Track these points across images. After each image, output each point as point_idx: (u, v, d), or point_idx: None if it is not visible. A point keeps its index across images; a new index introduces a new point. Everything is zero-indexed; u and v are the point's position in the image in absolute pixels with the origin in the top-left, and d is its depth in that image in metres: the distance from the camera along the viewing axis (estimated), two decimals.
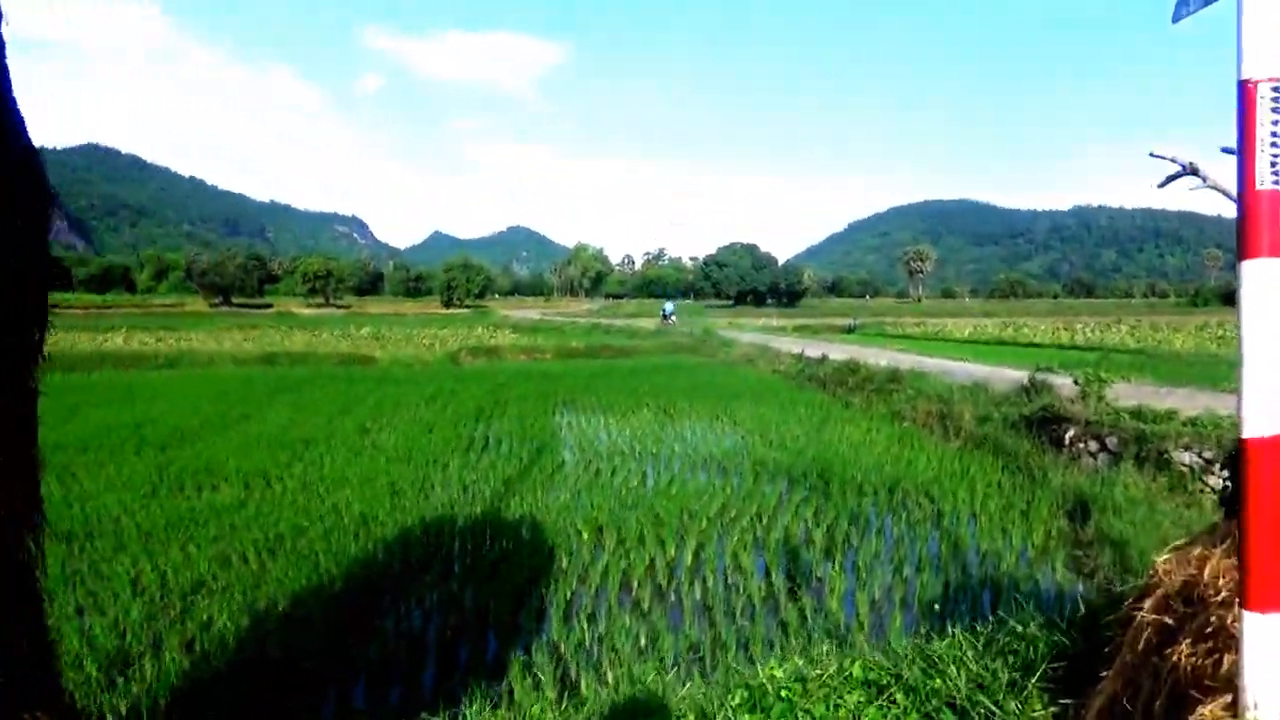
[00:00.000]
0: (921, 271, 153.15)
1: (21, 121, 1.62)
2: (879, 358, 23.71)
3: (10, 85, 1.57)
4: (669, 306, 62.40)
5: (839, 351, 26.50)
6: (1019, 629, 2.97)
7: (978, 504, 9.35)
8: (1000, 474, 10.69)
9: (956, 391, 15.34)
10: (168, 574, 6.67)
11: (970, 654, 2.87)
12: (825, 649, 3.74)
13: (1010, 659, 2.75)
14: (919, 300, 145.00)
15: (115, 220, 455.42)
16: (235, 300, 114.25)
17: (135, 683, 4.93)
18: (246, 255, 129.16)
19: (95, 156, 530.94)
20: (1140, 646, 2.17)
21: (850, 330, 52.11)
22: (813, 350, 26.47)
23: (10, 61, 1.65)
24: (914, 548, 7.97)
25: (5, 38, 1.55)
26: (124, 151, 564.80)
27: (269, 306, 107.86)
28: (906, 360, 23.20)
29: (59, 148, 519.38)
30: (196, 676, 5.01)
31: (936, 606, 6.23)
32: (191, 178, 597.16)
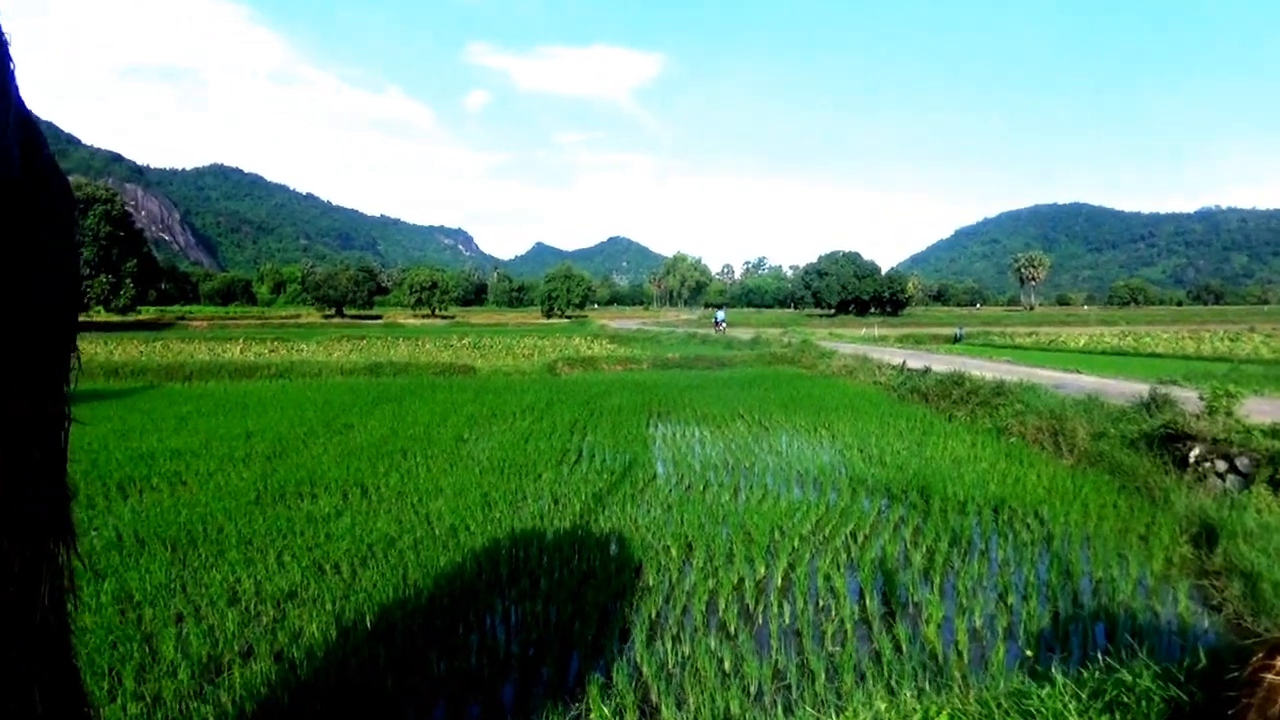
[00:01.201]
0: (1034, 279, 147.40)
1: (38, 131, 1.59)
2: (986, 369, 22.88)
3: (19, 95, 1.53)
4: (720, 315, 65.09)
5: (943, 363, 25.67)
6: (1131, 680, 2.68)
7: (1091, 527, 8.82)
8: (1117, 495, 10.08)
9: (1069, 406, 14.59)
10: (263, 582, 6.82)
11: (1073, 706, 2.60)
12: (913, 691, 3.49)
13: (1119, 716, 2.47)
14: (1031, 308, 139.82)
15: (238, 236, 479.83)
16: (347, 311, 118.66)
17: (224, 691, 5.02)
18: (358, 268, 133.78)
19: (220, 176, 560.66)
20: (1273, 714, 1.90)
21: (956, 340, 50.55)
22: (915, 361, 25.72)
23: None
24: (1020, 573, 7.54)
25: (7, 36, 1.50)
26: (246, 170, 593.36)
27: (378, 318, 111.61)
28: (1016, 372, 22.31)
29: (187, 168, 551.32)
30: (284, 687, 5.07)
31: (1043, 640, 5.85)
32: (308, 194, 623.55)
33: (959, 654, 5.84)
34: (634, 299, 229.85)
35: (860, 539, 8.53)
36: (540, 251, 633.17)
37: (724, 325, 61.74)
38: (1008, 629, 6.33)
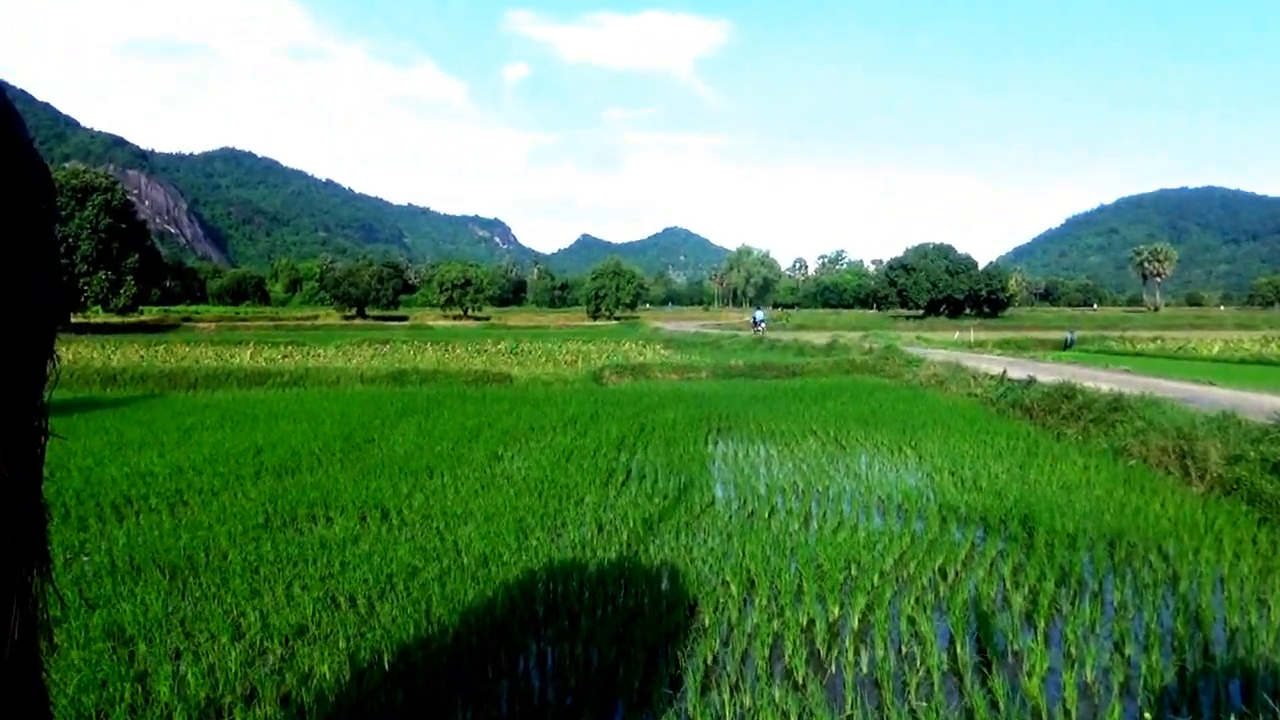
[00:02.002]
0: (1159, 274, 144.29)
1: (10, 110, 1.61)
2: (1101, 380, 22.44)
3: None
4: (759, 314, 68.80)
5: (1051, 372, 25.23)
6: None
7: (1226, 567, 8.57)
8: (1256, 529, 9.79)
9: (1200, 424, 14.21)
10: (270, 616, 6.93)
11: None
12: None
13: None
14: (1155, 309, 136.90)
15: (250, 228, 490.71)
16: (369, 312, 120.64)
17: None
18: (382, 263, 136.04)
19: (231, 161, 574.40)
20: None
21: (1067, 346, 49.73)
22: (1018, 370, 25.33)
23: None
24: (1140, 619, 7.35)
25: None
26: (260, 155, 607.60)
27: (403, 319, 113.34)
28: (1136, 383, 21.84)
29: (195, 153, 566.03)
30: None
31: (1166, 698, 5.69)
32: (328, 181, 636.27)
33: (1066, 713, 5.71)
34: (692, 298, 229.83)
35: (951, 576, 8.41)
36: (586, 245, 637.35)
37: (763, 326, 64.93)
38: (1124, 685, 6.18)
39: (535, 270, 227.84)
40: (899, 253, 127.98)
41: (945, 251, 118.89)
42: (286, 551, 8.66)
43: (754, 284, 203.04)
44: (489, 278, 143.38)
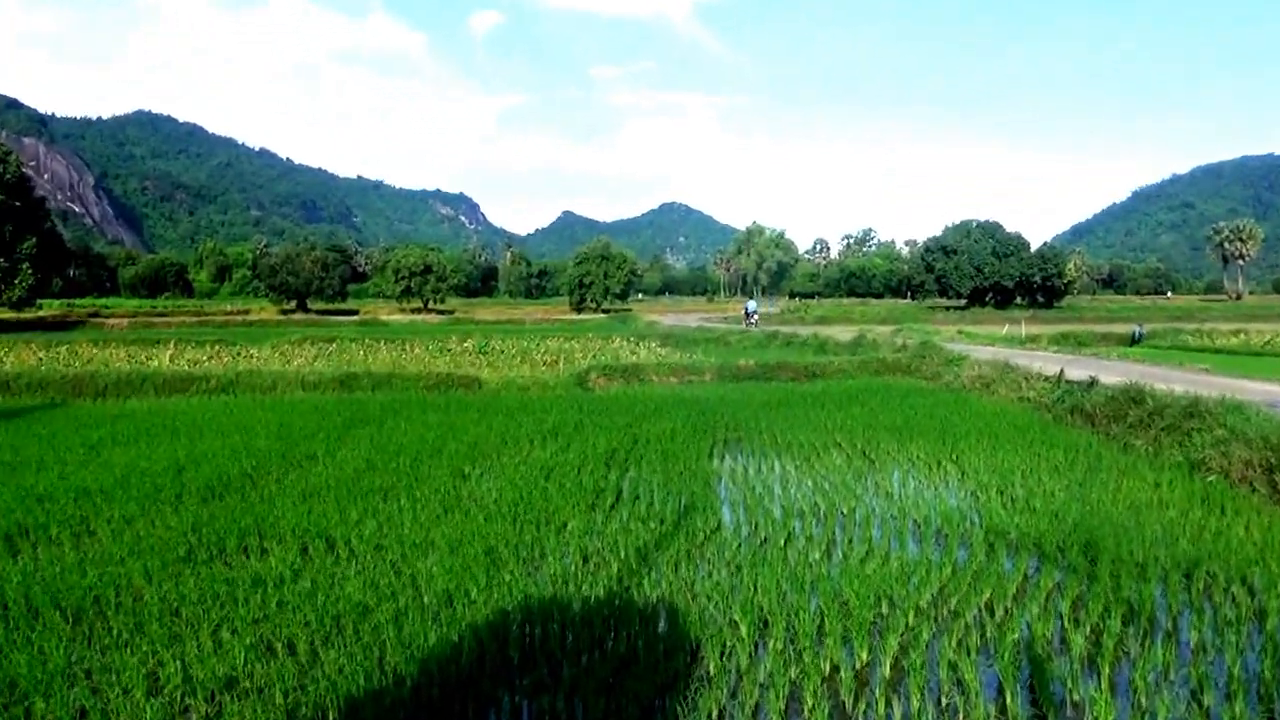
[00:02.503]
0: (1242, 256, 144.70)
1: None
2: (1175, 381, 22.49)
3: None
4: (752, 305, 73.16)
5: (1116, 372, 25.29)
6: None
7: None
8: None
9: None
10: (194, 666, 6.91)
11: None
12: None
13: None
14: (1237, 297, 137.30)
15: (170, 205, 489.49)
16: (312, 305, 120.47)
17: None
18: (326, 247, 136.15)
19: (147, 127, 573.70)
20: None
21: (1135, 341, 49.83)
22: (1078, 370, 25.40)
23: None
24: (1221, 662, 7.37)
25: None
26: (181, 120, 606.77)
27: (353, 313, 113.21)
28: (1216, 384, 21.89)
29: (104, 117, 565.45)
30: None
31: None
32: (262, 151, 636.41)
33: None
34: (694, 286, 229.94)
35: (999, 613, 8.42)
36: (568, 224, 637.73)
37: (756, 318, 69.38)
38: None
39: (508, 254, 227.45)
40: (937, 232, 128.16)
41: (991, 230, 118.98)
42: (213, 589, 8.64)
43: (767, 269, 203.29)
44: (453, 264, 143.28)
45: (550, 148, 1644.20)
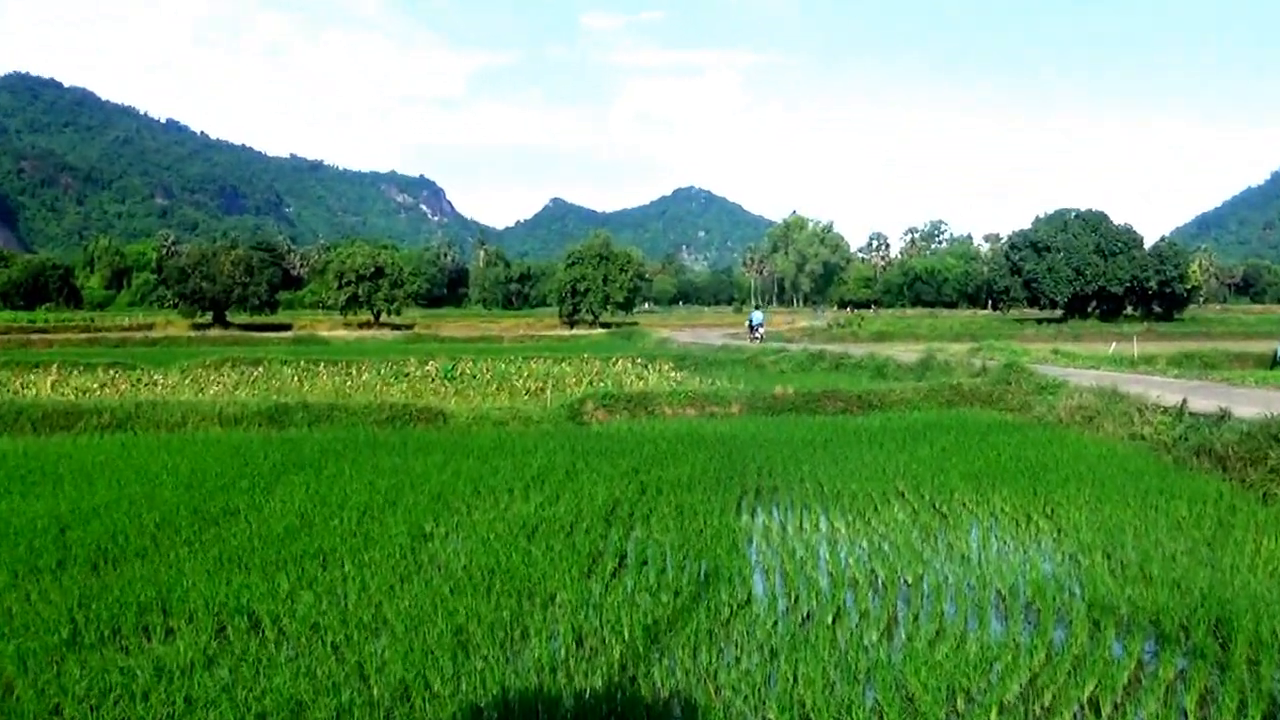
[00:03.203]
0: None
1: None
2: None
3: None
4: (758, 316, 77.37)
5: (1255, 401, 25.17)
6: None
7: None
8: None
9: None
10: None
11: None
12: None
13: None
14: None
15: (52, 192, 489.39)
16: (232, 319, 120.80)
17: None
18: (251, 244, 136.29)
19: (22, 94, 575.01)
20: None
21: (1278, 363, 49.67)
22: (1205, 399, 25.27)
23: None
24: None
25: None
26: (67, 85, 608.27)
27: (285, 328, 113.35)
28: None
29: None
30: None
31: None
32: (170, 124, 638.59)
33: None
34: (718, 293, 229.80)
35: (1107, 710, 8.38)
36: (558, 214, 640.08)
37: (762, 332, 74.06)
38: None
39: (482, 253, 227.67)
40: (1025, 224, 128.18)
41: (1094, 222, 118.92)
42: (105, 682, 8.60)
43: (810, 272, 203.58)
44: (412, 265, 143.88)
45: (534, 118, 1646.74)
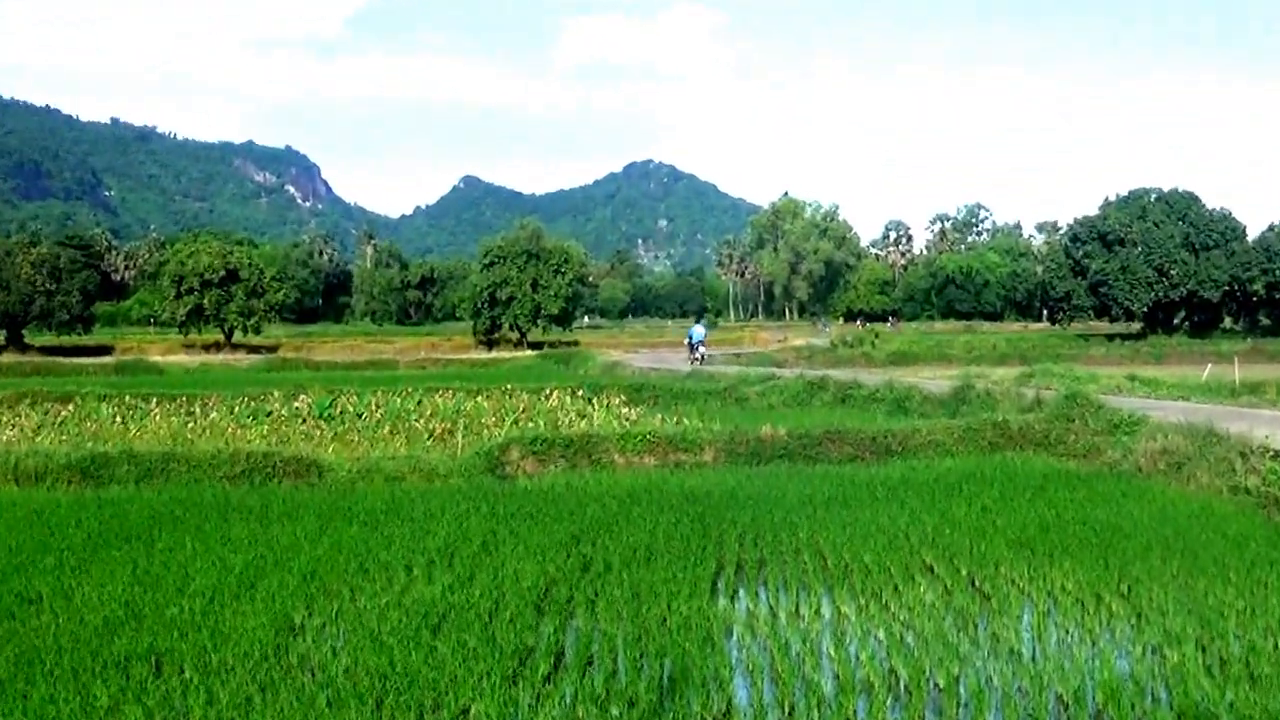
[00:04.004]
0: None
1: None
2: None
3: None
4: (699, 330, 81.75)
5: None
6: None
7: None
8: None
9: None
10: None
11: None
12: None
13: None
14: None
15: None
16: (31, 339, 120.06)
17: None
18: (58, 239, 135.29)
19: None
20: None
21: None
22: None
23: None
24: None
25: None
26: None
27: (105, 350, 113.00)
28: None
29: None
30: None
31: None
32: None
33: None
34: (684, 301, 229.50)
35: None
36: (472, 197, 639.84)
37: (703, 350, 78.53)
38: None
39: (370, 250, 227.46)
40: (1092, 210, 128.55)
41: (1181, 206, 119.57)
42: None
43: (807, 273, 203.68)
44: (277, 266, 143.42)
45: (438, 71, 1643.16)
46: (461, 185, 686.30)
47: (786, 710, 11.37)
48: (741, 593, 16.48)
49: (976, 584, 16.35)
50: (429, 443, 32.85)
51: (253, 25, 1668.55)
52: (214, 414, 41.11)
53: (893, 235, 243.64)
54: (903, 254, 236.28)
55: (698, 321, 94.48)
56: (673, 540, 19.27)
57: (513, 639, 13.55)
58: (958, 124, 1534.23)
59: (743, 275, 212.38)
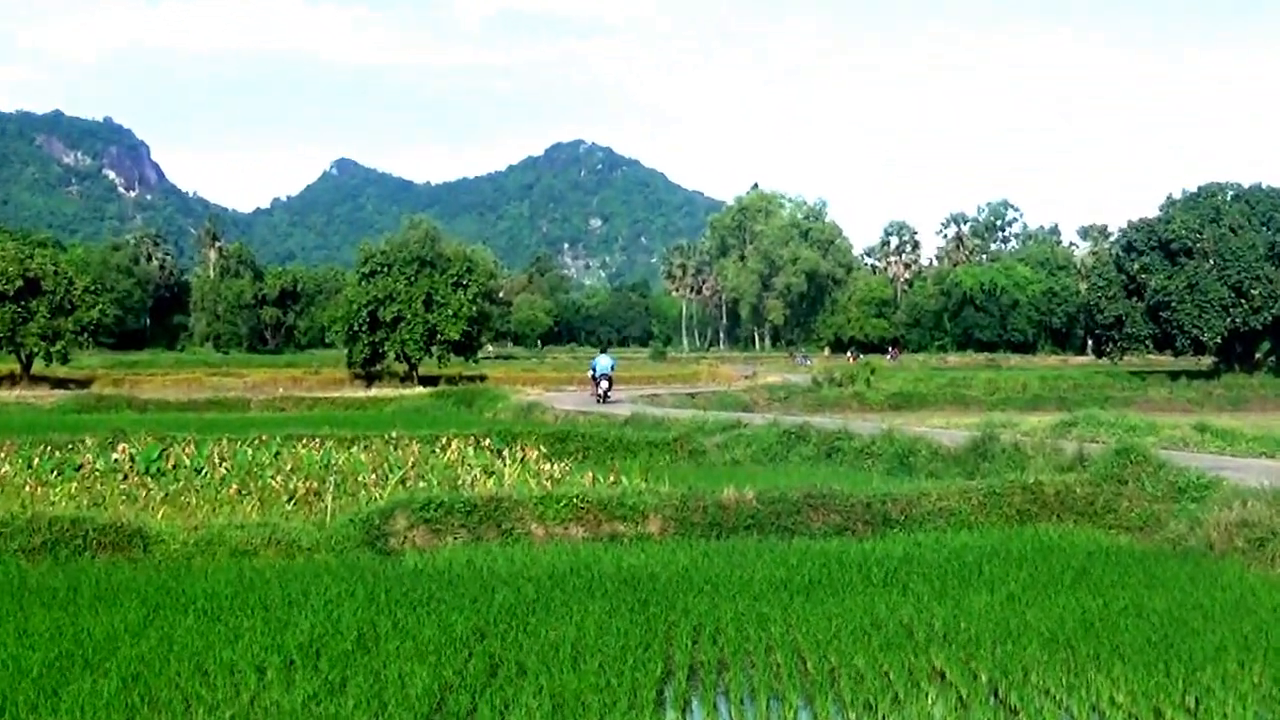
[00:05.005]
0: None
1: None
2: None
3: None
4: (604, 362, 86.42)
5: None
6: None
7: None
8: None
9: None
10: None
11: None
12: None
13: None
14: None
15: None
16: None
17: None
18: None
19: None
20: None
21: None
22: None
23: None
24: None
25: None
26: None
27: None
28: None
29: None
30: None
31: None
32: None
33: None
34: (624, 325, 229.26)
35: None
36: (348, 187, 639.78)
37: (606, 385, 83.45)
38: None
39: (213, 254, 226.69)
40: (1150, 211, 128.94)
41: (1266, 207, 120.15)
42: None
43: (785, 287, 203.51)
44: (92, 275, 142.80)
45: (302, 23, 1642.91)
46: (334, 171, 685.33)
47: None
48: (695, 705, 16.40)
49: (1000, 695, 16.30)
50: (289, 507, 32.75)
51: None
52: (6, 467, 40.89)
53: (894, 241, 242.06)
54: (907, 265, 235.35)
55: (603, 352, 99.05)
56: (606, 636, 19.19)
57: None
58: (979, 101, 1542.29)
59: (699, 291, 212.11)
